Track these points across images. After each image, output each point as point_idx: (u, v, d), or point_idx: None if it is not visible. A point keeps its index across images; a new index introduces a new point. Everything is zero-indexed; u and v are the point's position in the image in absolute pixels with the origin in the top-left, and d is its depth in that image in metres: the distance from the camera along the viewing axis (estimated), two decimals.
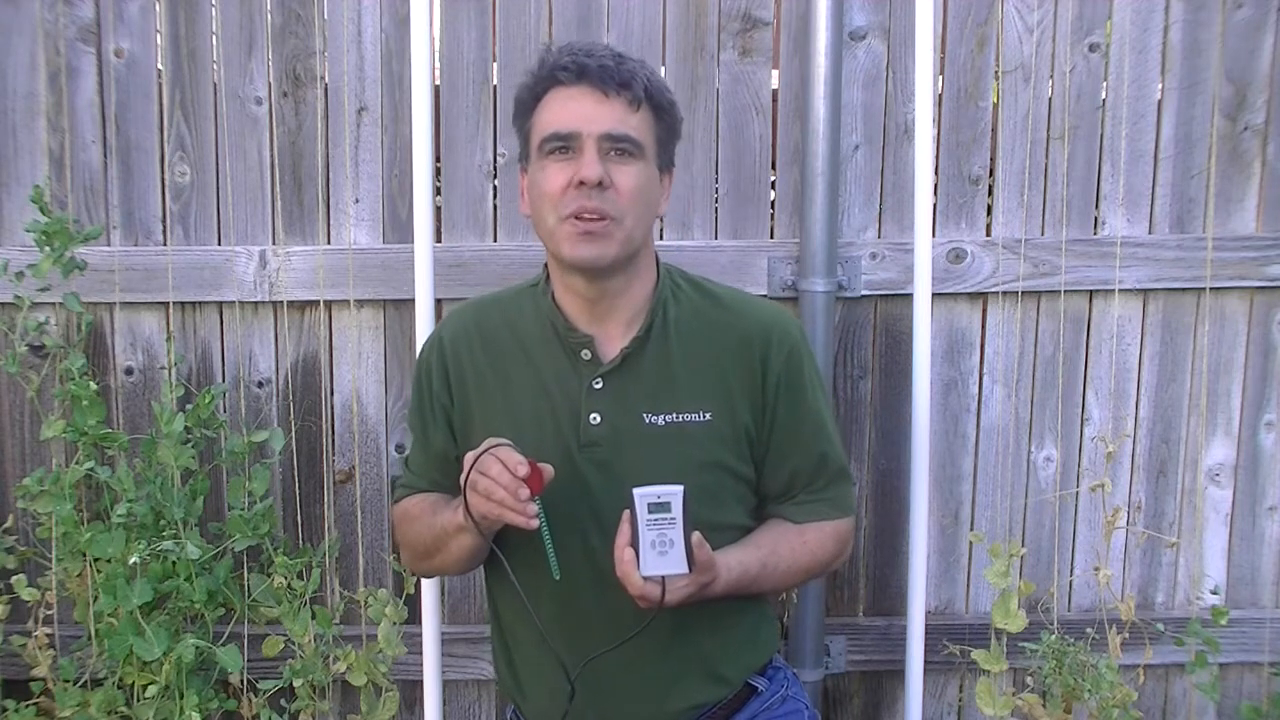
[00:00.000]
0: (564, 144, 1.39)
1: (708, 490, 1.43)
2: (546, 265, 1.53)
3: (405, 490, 1.61)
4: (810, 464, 1.53)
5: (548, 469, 1.32)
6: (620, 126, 1.38)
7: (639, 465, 1.41)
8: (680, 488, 1.29)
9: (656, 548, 1.30)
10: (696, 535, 1.31)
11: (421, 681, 1.97)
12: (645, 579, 1.31)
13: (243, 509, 1.98)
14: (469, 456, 1.35)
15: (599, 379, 1.46)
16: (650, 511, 1.29)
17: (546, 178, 1.40)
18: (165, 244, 2.09)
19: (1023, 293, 2.12)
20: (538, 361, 1.49)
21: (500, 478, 1.29)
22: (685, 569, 1.31)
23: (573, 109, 1.39)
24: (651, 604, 1.32)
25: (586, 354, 1.46)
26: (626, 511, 1.31)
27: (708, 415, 1.46)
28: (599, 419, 1.45)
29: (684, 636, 1.47)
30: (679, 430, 1.45)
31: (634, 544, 1.30)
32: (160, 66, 2.07)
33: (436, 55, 2.04)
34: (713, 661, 1.51)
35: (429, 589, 1.91)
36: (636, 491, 1.29)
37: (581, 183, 1.36)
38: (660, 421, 1.45)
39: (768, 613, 1.63)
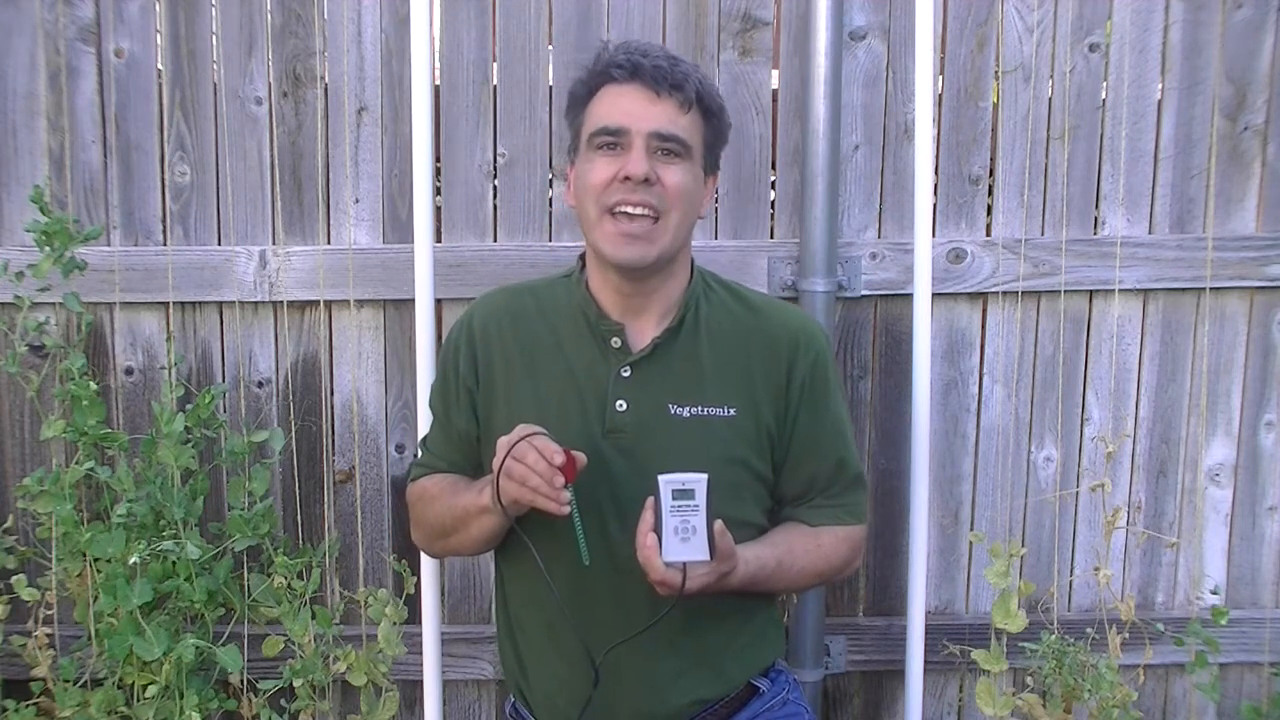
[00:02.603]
0: (613, 139, 1.41)
1: (728, 485, 1.44)
2: (582, 256, 1.55)
3: (422, 470, 1.62)
4: (828, 469, 1.55)
5: (581, 457, 1.34)
6: (669, 126, 1.40)
7: (662, 454, 1.43)
8: (705, 476, 1.30)
9: (679, 534, 1.31)
10: (719, 524, 1.32)
11: (421, 681, 1.97)
12: (667, 565, 1.31)
13: (243, 509, 1.98)
14: (502, 442, 1.35)
15: (627, 367, 1.47)
16: (675, 498, 1.30)
17: (593, 170, 1.42)
18: (165, 244, 2.09)
19: (1023, 293, 2.12)
20: (567, 348, 1.51)
21: (536, 465, 1.31)
22: (707, 556, 1.32)
23: (624, 106, 1.41)
24: (672, 590, 1.32)
25: (616, 342, 1.48)
26: (650, 498, 1.32)
27: (732, 411, 1.48)
28: (625, 406, 1.46)
29: (693, 630, 1.48)
30: (703, 423, 1.47)
31: (657, 530, 1.32)
32: (160, 66, 2.07)
33: (436, 55, 2.04)
34: (719, 657, 1.52)
35: (429, 589, 1.91)
36: (662, 478, 1.31)
37: (627, 178, 1.39)
38: (685, 413, 1.47)
39: (774, 616, 1.64)
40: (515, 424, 1.37)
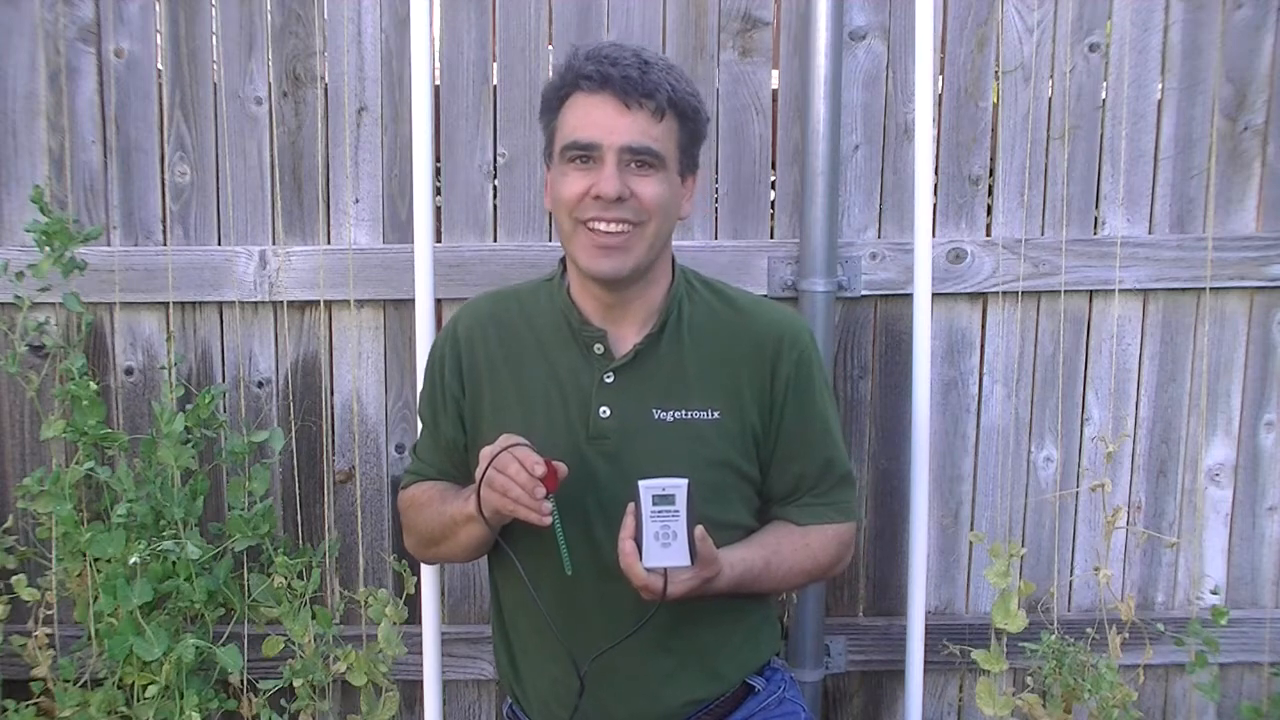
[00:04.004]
0: (584, 153, 1.40)
1: (714, 488, 1.44)
2: (563, 260, 1.54)
3: (413, 477, 1.63)
4: (815, 468, 1.54)
5: (562, 468, 1.34)
6: (641, 139, 1.39)
7: (646, 459, 1.42)
8: (685, 481, 1.31)
9: (660, 539, 1.31)
10: (700, 529, 1.32)
11: (421, 681, 1.97)
12: (648, 570, 1.32)
13: (243, 509, 1.98)
14: (485, 452, 1.36)
15: (610, 373, 1.47)
16: (655, 503, 1.30)
17: (566, 184, 1.41)
18: (165, 244, 2.09)
19: (1023, 293, 2.12)
20: (551, 354, 1.50)
21: (518, 476, 1.31)
22: (688, 561, 1.32)
23: (595, 118, 1.39)
24: (654, 596, 1.33)
25: (599, 348, 1.48)
26: (632, 504, 1.32)
27: (716, 414, 1.47)
28: (608, 412, 1.46)
29: (685, 631, 1.48)
30: (687, 427, 1.47)
31: (637, 536, 1.32)
32: (160, 66, 2.07)
33: (436, 55, 2.04)
34: (712, 658, 1.52)
35: (429, 589, 1.91)
36: (642, 483, 1.31)
37: (599, 196, 1.38)
38: (669, 418, 1.46)
39: (770, 615, 1.64)
40: (501, 431, 1.38)
